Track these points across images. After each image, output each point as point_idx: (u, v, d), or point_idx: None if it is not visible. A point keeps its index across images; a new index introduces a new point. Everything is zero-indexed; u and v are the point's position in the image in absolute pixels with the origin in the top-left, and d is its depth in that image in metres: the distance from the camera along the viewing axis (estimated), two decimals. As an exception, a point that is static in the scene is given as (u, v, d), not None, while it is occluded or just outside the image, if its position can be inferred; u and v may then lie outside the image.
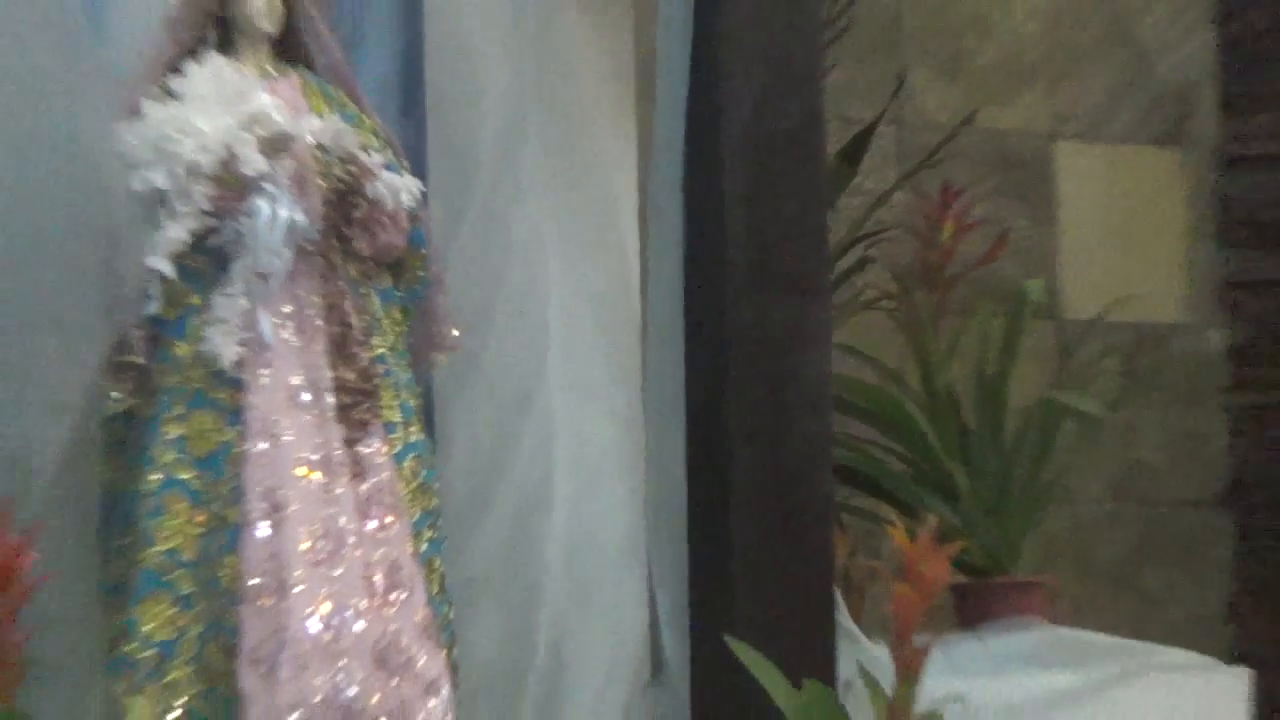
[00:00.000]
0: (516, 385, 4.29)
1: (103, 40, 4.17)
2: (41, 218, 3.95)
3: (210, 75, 4.06)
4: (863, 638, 4.21)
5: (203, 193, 3.95)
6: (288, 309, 4.01)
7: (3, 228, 3.89)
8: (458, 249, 4.32)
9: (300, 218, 4.00)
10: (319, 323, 4.02)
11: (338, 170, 4.07)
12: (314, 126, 4.07)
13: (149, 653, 3.86)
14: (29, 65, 3.88)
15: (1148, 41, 6.34)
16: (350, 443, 3.98)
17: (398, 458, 4.03)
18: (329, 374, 3.99)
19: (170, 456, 3.93)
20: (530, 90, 4.36)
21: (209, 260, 3.99)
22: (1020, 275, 5.61)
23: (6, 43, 3.88)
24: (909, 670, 3.62)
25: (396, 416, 4.06)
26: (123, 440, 4.00)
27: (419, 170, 4.24)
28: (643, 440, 4.29)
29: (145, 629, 3.87)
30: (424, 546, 4.03)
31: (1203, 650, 5.00)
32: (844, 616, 4.20)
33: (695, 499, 4.11)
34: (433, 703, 3.91)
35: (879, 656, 3.86)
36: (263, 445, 3.92)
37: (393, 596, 3.93)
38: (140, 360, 3.95)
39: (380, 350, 4.08)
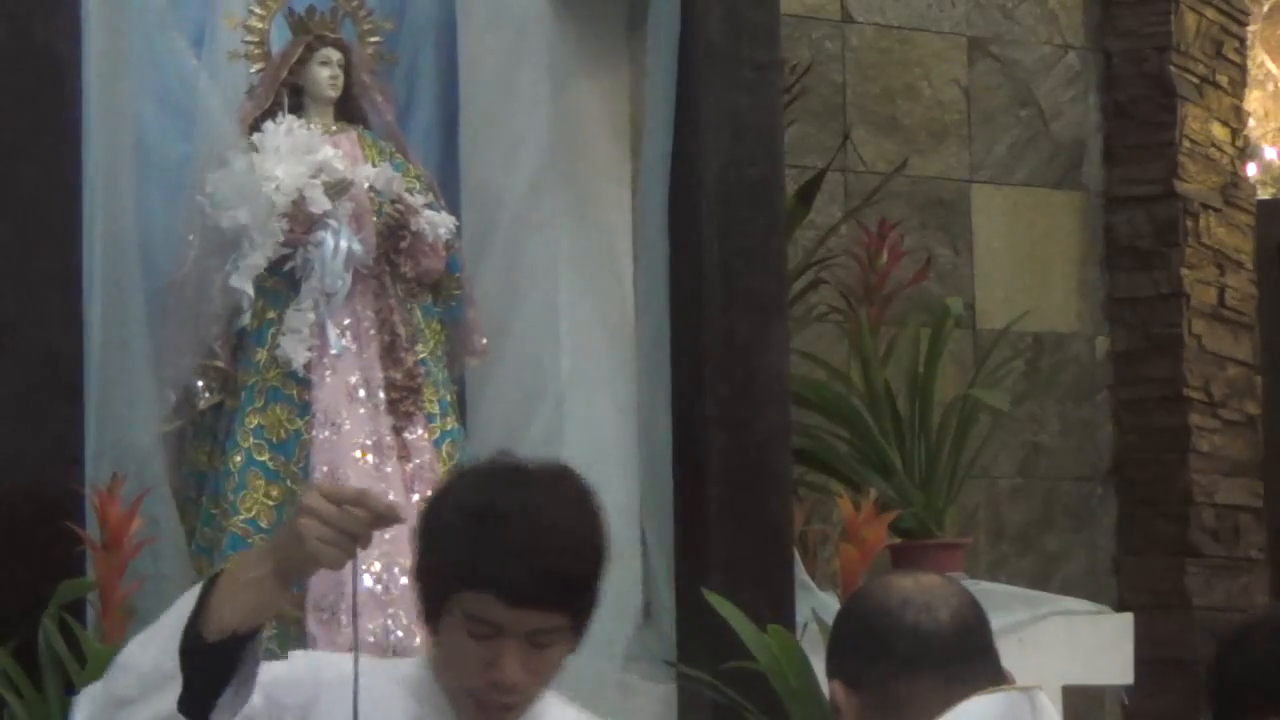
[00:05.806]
0: (533, 382, 4.28)
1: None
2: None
3: (284, 132, 4.07)
4: (816, 589, 4.15)
5: (278, 227, 3.96)
6: (347, 321, 4.00)
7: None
8: (487, 273, 4.30)
9: (357, 247, 4.01)
10: (372, 332, 4.02)
11: (388, 209, 4.08)
12: (369, 173, 4.08)
13: (234, 602, 3.84)
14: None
15: (1045, 105, 6.30)
16: (398, 430, 3.98)
17: (436, 443, 4.03)
18: (380, 374, 4.00)
19: (251, 441, 3.93)
20: (545, 146, 4.35)
21: (283, 282, 4.00)
22: (943, 293, 5.56)
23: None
24: (854, 615, 3.56)
25: (436, 409, 4.05)
26: (212, 429, 3.99)
27: (454, 209, 4.24)
28: (636, 426, 4.25)
29: (230, 583, 3.84)
30: (458, 515, 4.01)
31: (1093, 599, 4.96)
32: (801, 571, 4.16)
33: (679, 475, 4.08)
34: (465, 643, 3.87)
35: (830, 604, 3.82)
36: (326, 432, 3.92)
37: (433, 556, 3.90)
38: (223, 365, 3.93)
39: (422, 355, 4.08)
